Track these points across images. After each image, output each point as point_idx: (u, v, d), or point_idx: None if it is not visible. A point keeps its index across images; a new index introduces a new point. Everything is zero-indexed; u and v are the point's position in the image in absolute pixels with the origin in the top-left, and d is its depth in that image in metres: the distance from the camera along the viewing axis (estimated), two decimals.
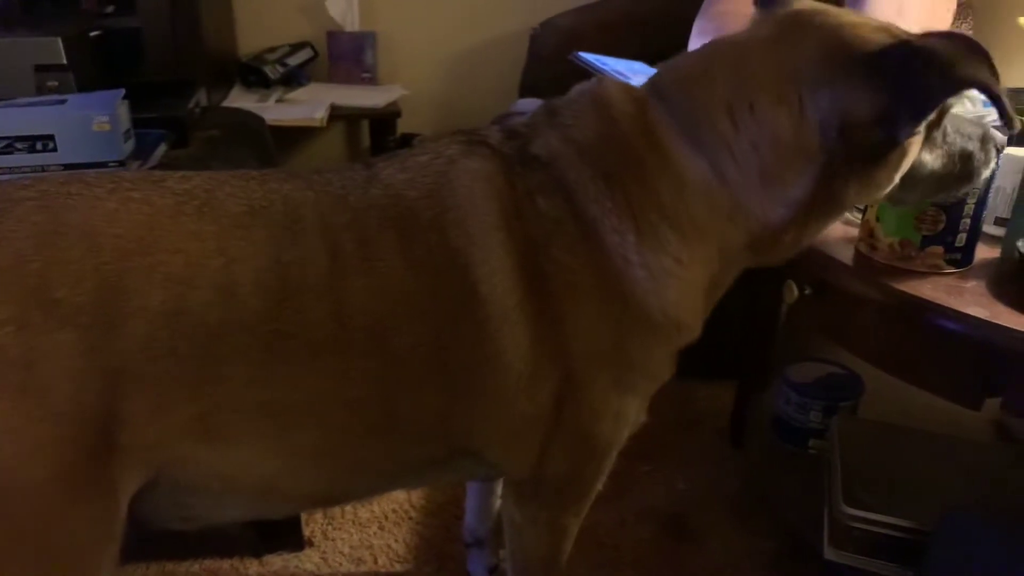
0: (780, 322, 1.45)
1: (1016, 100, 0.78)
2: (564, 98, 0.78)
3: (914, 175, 0.73)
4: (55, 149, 1.20)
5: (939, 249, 0.91)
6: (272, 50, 2.29)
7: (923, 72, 0.62)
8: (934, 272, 0.92)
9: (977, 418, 1.18)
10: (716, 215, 0.71)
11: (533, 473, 0.81)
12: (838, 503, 1.07)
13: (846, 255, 1.01)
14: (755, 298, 1.45)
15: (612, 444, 0.83)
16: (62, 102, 1.30)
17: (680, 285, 0.73)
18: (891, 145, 0.67)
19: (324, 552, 1.27)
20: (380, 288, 0.68)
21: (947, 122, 0.74)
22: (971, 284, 0.91)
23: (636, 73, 1.79)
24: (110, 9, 1.96)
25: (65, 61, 1.44)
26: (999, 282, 0.90)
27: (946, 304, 0.85)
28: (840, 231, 1.10)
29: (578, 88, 0.79)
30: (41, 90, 1.42)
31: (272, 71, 2.20)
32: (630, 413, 0.81)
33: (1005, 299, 0.86)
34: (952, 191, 0.80)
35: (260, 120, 1.72)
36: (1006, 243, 0.94)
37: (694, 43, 1.81)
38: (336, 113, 2.11)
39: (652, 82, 0.77)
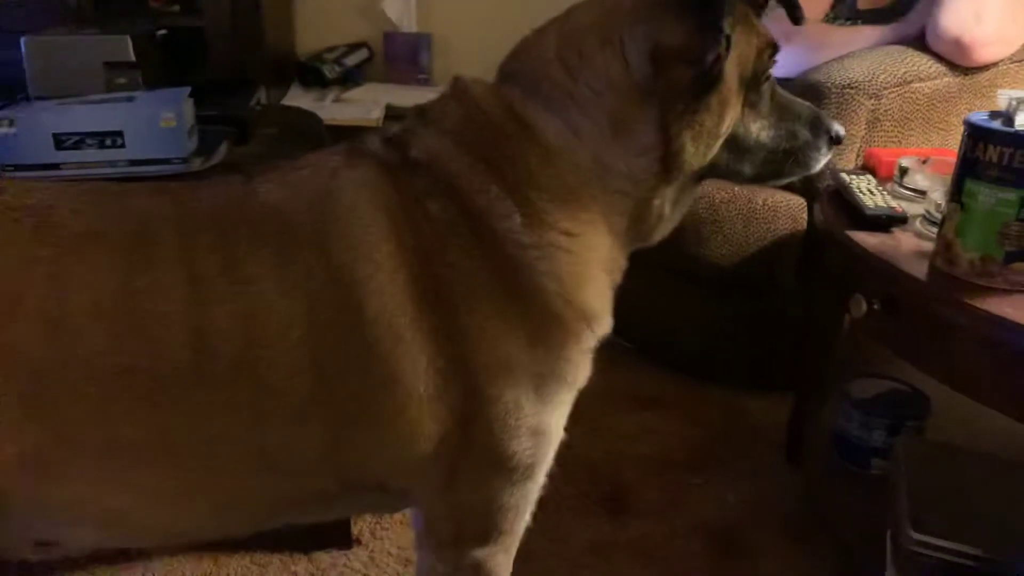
0: (842, 335, 1.40)
1: None
2: (431, 100, 0.76)
3: (741, 143, 0.75)
4: (123, 145, 1.22)
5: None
6: (330, 50, 2.32)
7: None
8: (1018, 290, 0.88)
9: None
10: (585, 176, 0.70)
11: (448, 505, 0.74)
12: (904, 527, 1.03)
13: (919, 270, 0.97)
14: (813, 309, 1.41)
15: (534, 465, 0.75)
16: (130, 99, 1.32)
17: (575, 261, 0.70)
18: (706, 82, 0.68)
19: (372, 551, 1.27)
20: (248, 314, 0.64)
21: (779, 98, 0.77)
22: None
23: None
24: (176, 9, 2.01)
25: (134, 59, 1.47)
26: None
27: None
28: (913, 244, 1.06)
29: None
30: (110, 87, 1.46)
31: (329, 71, 2.23)
32: (550, 427, 0.74)
33: None
34: (784, 170, 0.80)
35: (317, 119, 1.74)
36: None
37: None
38: (392, 113, 2.12)
39: (498, 69, 0.77)
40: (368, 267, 0.65)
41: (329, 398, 0.66)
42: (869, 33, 1.65)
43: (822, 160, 0.80)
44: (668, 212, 0.76)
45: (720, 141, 0.72)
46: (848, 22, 1.73)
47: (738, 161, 0.76)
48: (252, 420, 0.65)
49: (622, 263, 0.78)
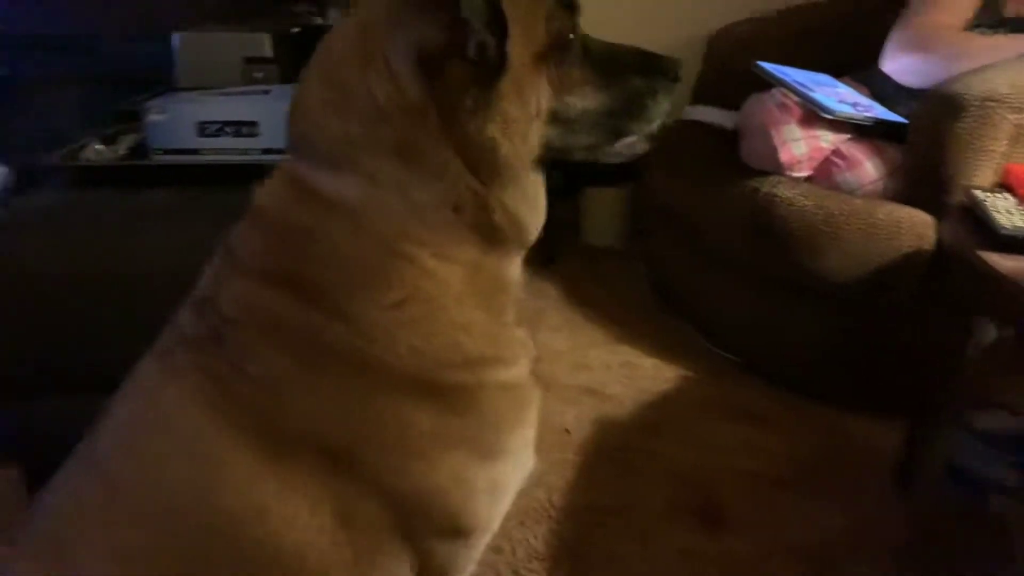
0: (964, 361, 1.32)
1: None
2: (235, 231, 0.69)
3: (562, 116, 0.66)
4: (257, 134, 1.31)
5: None
6: None
7: None
8: None
9: None
10: (401, 223, 0.63)
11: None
12: None
13: None
14: (934, 332, 1.34)
15: (492, 518, 0.72)
16: (266, 92, 1.41)
17: (422, 327, 0.64)
18: (487, 71, 0.61)
19: None
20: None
21: (596, 55, 0.69)
22: None
23: (820, 85, 1.71)
24: (310, 7, 2.12)
25: (271, 55, 1.57)
26: None
27: None
28: None
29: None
30: (249, 80, 1.56)
31: None
32: (505, 478, 0.71)
33: None
34: (627, 129, 0.72)
35: None
36: None
37: (892, 57, 1.70)
38: None
39: (286, 138, 0.69)
40: (213, 470, 0.63)
41: None
42: (1015, 43, 1.55)
43: (663, 106, 0.73)
44: (524, 214, 0.68)
45: (535, 123, 0.65)
46: (992, 30, 1.63)
47: (569, 135, 0.68)
48: None
49: (508, 278, 0.71)
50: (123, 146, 1.38)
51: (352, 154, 0.62)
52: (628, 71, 0.71)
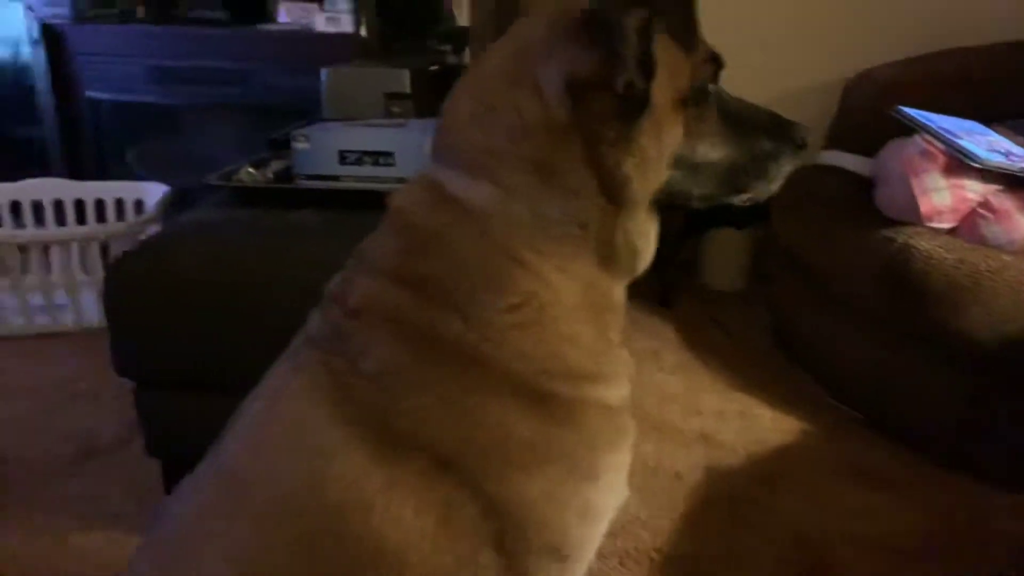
0: None
1: None
2: (369, 237, 0.73)
3: (688, 163, 0.70)
4: (393, 164, 1.38)
5: None
6: None
7: (613, 16, 0.62)
8: None
9: None
10: (527, 233, 0.66)
11: None
12: None
13: None
14: None
15: (584, 545, 0.71)
16: (403, 125, 1.49)
17: (535, 333, 0.66)
18: (632, 106, 0.64)
19: None
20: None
21: (731, 111, 0.72)
22: None
23: (968, 132, 1.62)
24: (448, 48, 2.23)
25: (409, 90, 1.66)
26: None
27: None
28: None
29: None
30: (387, 114, 1.65)
31: None
32: (597, 503, 0.70)
33: None
34: (746, 186, 0.74)
35: None
36: None
37: None
38: None
39: (431, 151, 0.72)
40: (324, 463, 0.65)
41: None
42: None
43: (785, 169, 0.75)
44: (640, 245, 0.71)
45: (664, 164, 0.68)
46: None
47: (691, 181, 0.71)
48: None
49: (616, 299, 0.72)
50: (272, 170, 1.50)
51: (492, 165, 0.66)
52: (758, 131, 0.74)
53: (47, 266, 2.04)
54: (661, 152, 0.68)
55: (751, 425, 1.72)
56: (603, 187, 0.66)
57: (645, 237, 0.72)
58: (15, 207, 2.29)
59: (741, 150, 0.73)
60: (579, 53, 0.64)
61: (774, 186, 0.76)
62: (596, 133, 0.65)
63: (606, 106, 0.64)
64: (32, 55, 2.46)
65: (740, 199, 0.76)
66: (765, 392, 1.84)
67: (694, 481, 1.51)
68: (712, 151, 0.72)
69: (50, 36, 2.43)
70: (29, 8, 2.40)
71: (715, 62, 0.71)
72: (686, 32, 0.68)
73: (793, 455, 1.63)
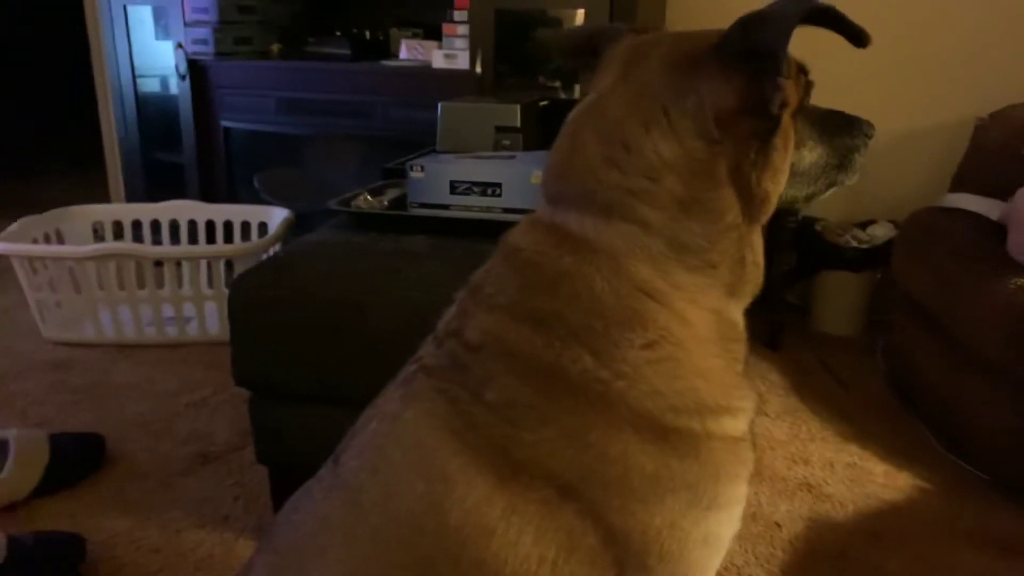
0: None
1: None
2: (480, 269, 0.74)
3: (795, 169, 0.74)
4: (500, 195, 1.42)
5: None
6: None
7: (758, 33, 0.64)
8: None
9: None
10: (662, 265, 0.68)
11: None
12: None
13: None
14: None
15: (705, 573, 0.70)
16: (511, 157, 1.53)
17: (667, 370, 0.66)
18: (771, 122, 0.67)
19: None
20: None
21: (815, 115, 0.76)
22: None
23: None
24: (557, 84, 2.27)
25: (519, 124, 1.70)
26: None
27: None
28: None
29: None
30: (497, 147, 1.70)
31: None
32: (720, 535, 0.69)
33: None
34: (836, 181, 0.79)
35: None
36: None
37: None
38: None
39: (543, 194, 0.74)
40: (445, 487, 0.66)
41: None
42: None
43: (863, 159, 0.80)
44: (762, 260, 0.74)
45: (787, 174, 0.73)
46: None
47: (795, 184, 0.76)
48: None
49: (739, 329, 0.73)
50: (387, 198, 1.57)
51: (630, 203, 0.68)
52: (840, 129, 0.79)
53: (179, 280, 2.20)
54: (787, 164, 0.72)
55: (861, 478, 1.62)
56: (744, 207, 0.69)
57: (762, 252, 0.75)
58: (155, 225, 2.49)
59: (831, 149, 0.78)
60: (721, 85, 0.66)
61: (857, 176, 0.81)
62: (740, 156, 0.68)
63: (747, 129, 0.68)
64: (179, 88, 2.68)
65: (827, 193, 0.81)
66: (878, 444, 1.74)
67: (795, 532, 1.44)
68: (810, 154, 0.76)
69: (195, 70, 2.64)
70: (179, 45, 2.63)
71: (806, 71, 0.74)
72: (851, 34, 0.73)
73: (906, 513, 1.53)
